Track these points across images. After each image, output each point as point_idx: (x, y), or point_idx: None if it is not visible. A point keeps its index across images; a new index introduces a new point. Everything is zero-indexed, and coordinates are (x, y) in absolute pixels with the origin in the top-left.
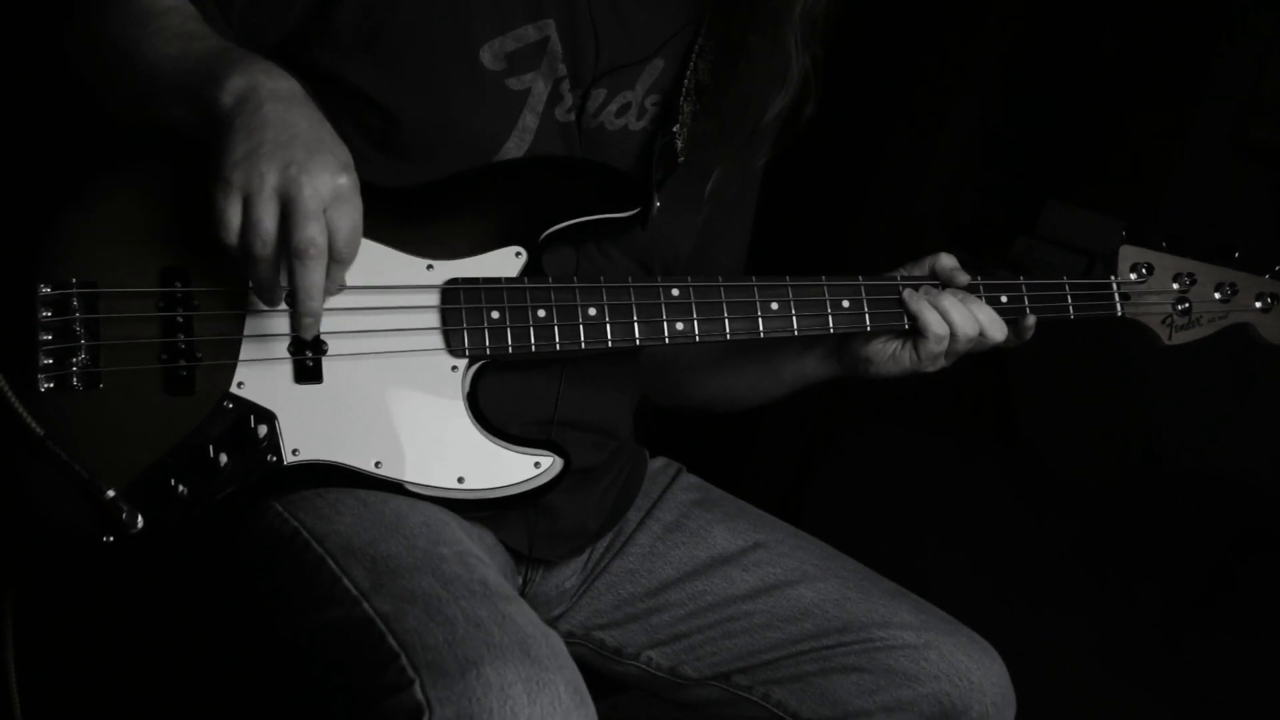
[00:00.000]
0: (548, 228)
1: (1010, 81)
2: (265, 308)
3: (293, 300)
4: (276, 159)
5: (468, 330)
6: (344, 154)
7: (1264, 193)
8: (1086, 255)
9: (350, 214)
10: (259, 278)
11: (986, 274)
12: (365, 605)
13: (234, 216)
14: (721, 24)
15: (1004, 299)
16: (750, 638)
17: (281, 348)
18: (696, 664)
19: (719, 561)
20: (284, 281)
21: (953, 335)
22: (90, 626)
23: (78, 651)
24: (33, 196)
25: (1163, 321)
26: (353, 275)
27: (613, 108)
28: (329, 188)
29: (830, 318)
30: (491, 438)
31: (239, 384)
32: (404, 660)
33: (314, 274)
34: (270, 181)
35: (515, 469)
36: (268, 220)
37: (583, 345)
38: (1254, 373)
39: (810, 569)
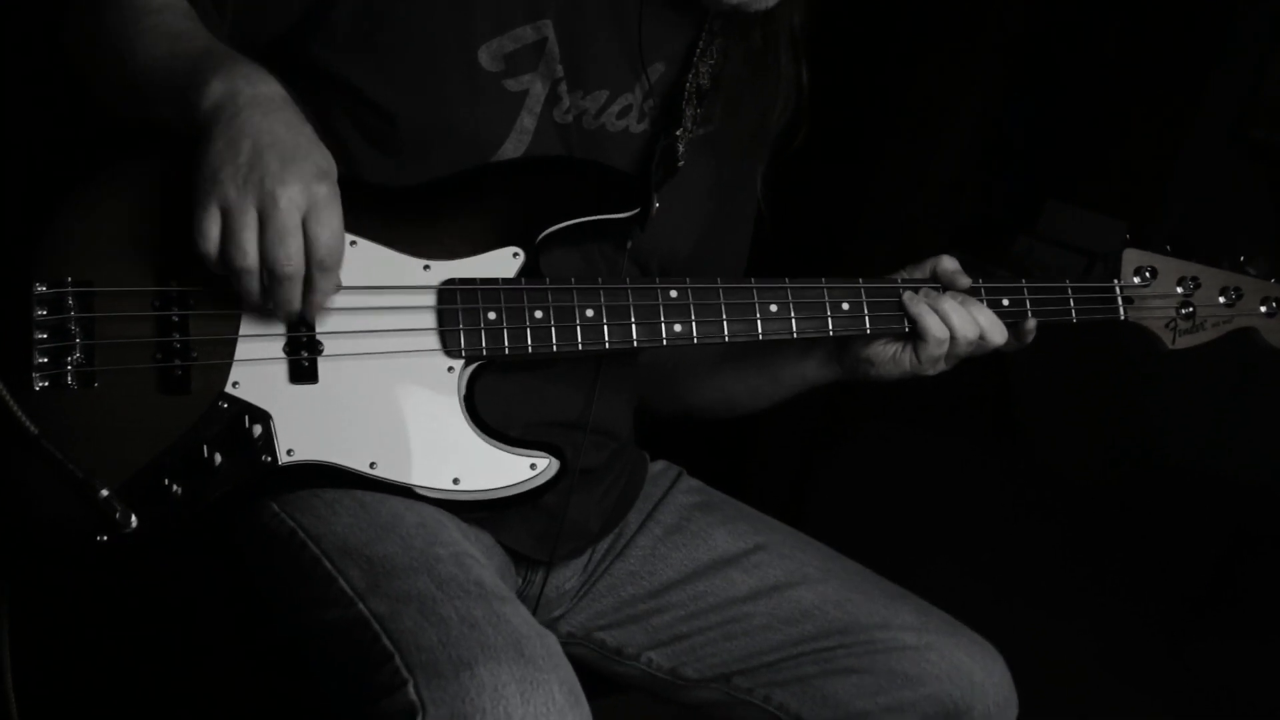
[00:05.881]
0: (546, 228)
1: (1011, 82)
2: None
3: (275, 309)
4: (253, 171)
5: (464, 331)
6: (323, 160)
7: (1264, 193)
8: (1087, 255)
9: (329, 222)
10: (243, 289)
11: (987, 274)
12: (360, 606)
13: (213, 230)
14: (721, 28)
15: (1006, 302)
16: (751, 639)
17: (277, 347)
18: (697, 665)
19: (720, 563)
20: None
21: (953, 338)
22: (86, 626)
23: (73, 651)
24: (29, 195)
25: (1166, 326)
26: (349, 275)
27: (614, 109)
28: (305, 197)
29: (829, 320)
30: (487, 439)
31: (234, 384)
32: (398, 661)
33: (291, 290)
34: (247, 195)
35: (511, 470)
36: (247, 234)
37: (580, 347)
38: (1254, 373)
39: (811, 571)
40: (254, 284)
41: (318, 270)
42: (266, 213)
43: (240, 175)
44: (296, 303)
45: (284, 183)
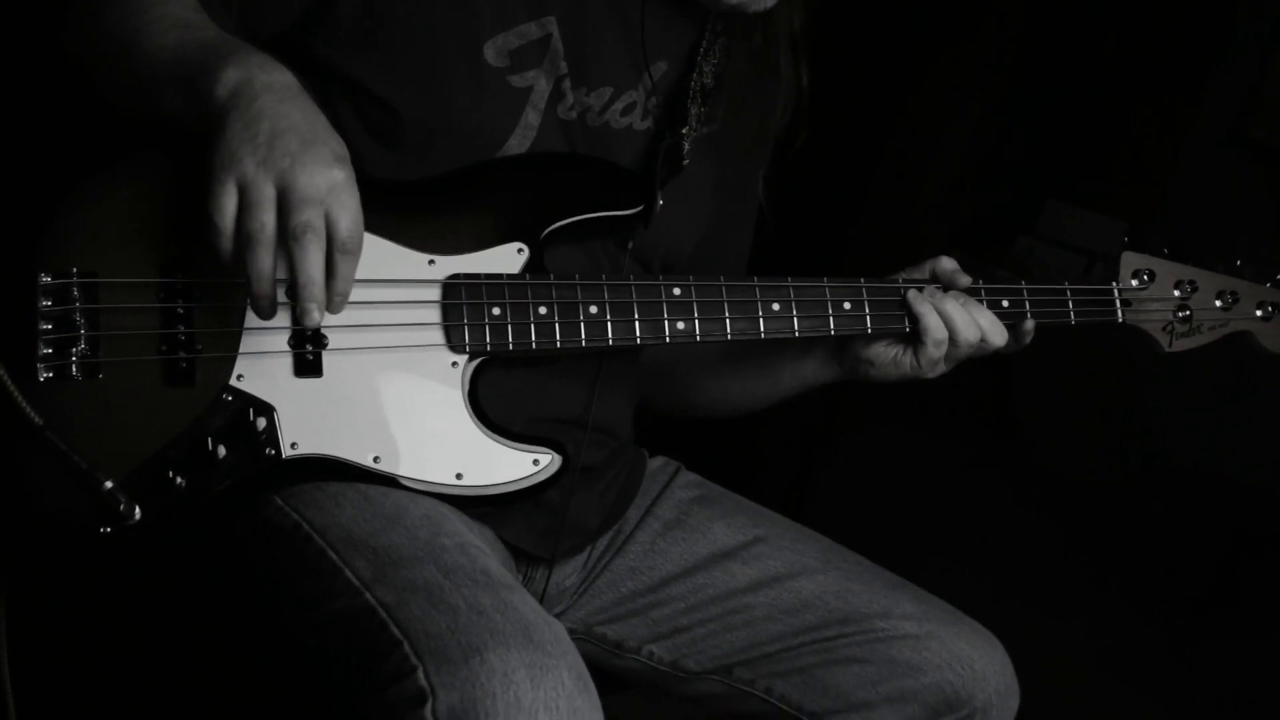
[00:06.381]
0: (550, 224)
1: (1011, 82)
2: None
3: (293, 292)
4: (273, 151)
5: (468, 326)
6: (340, 147)
7: (1264, 193)
8: (1087, 255)
9: (349, 205)
10: (258, 268)
11: (987, 274)
12: (367, 595)
13: (229, 204)
14: (724, 28)
15: (1005, 303)
16: (751, 630)
17: (282, 341)
18: (698, 657)
19: (719, 556)
20: (281, 274)
21: (953, 339)
22: (87, 619)
23: (75, 645)
24: (35, 186)
25: (1163, 328)
26: None
27: (618, 106)
28: (325, 180)
29: (831, 319)
30: (490, 434)
31: (239, 376)
32: (406, 648)
33: (313, 258)
34: (266, 173)
35: (513, 466)
36: (265, 205)
37: (583, 343)
38: (1255, 374)
39: (811, 561)
40: (268, 259)
41: (339, 253)
42: (288, 188)
43: (259, 154)
44: (320, 275)
45: (304, 165)
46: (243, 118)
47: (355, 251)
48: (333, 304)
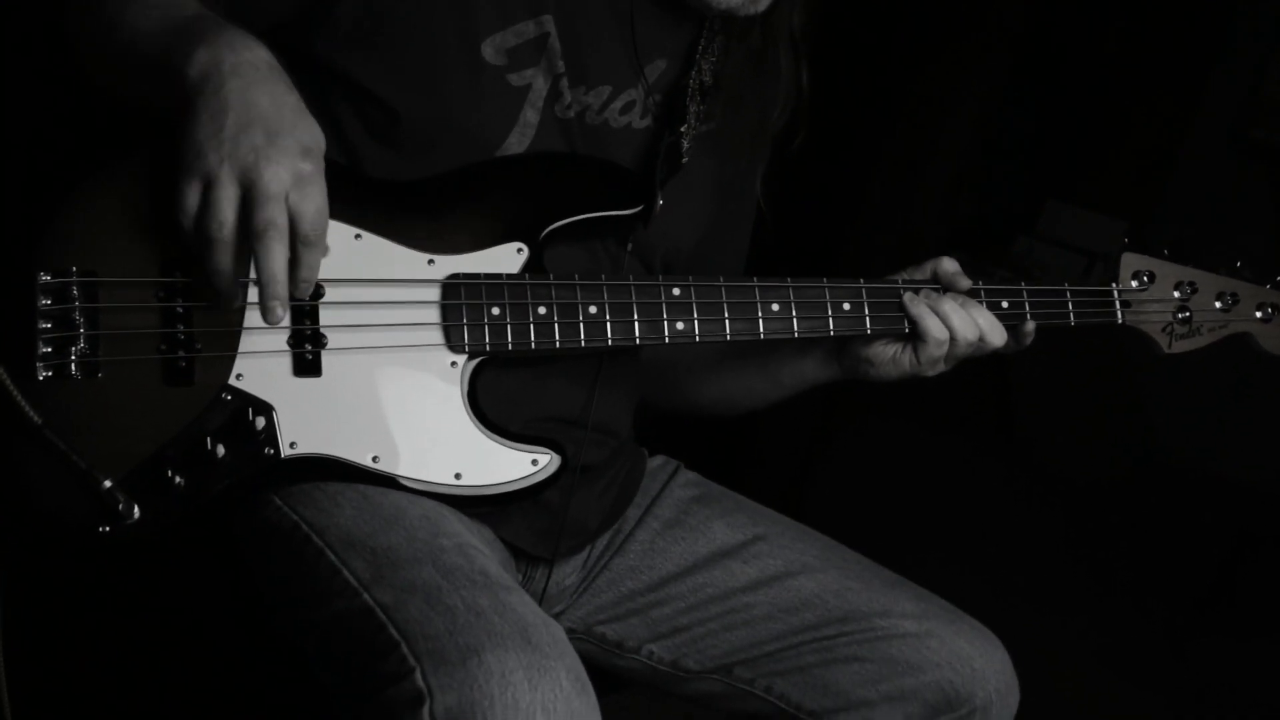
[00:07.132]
0: (549, 224)
1: (1011, 82)
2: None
3: (260, 288)
4: (238, 145)
5: (468, 326)
6: (308, 134)
7: (1264, 193)
8: (1087, 255)
9: (314, 196)
10: (216, 265)
11: (986, 274)
12: (365, 596)
13: (192, 202)
14: (722, 27)
15: (1005, 304)
16: (751, 629)
17: (281, 340)
18: (698, 656)
19: (719, 555)
20: (253, 274)
21: (952, 340)
22: (86, 618)
23: (72, 643)
24: (34, 184)
25: (1163, 330)
26: (354, 268)
27: (617, 105)
28: (290, 172)
29: (830, 320)
30: (489, 434)
31: (238, 376)
32: (404, 649)
33: (275, 256)
34: (229, 168)
35: (512, 466)
36: (225, 204)
37: (583, 343)
38: (1256, 374)
39: (810, 560)
40: (225, 257)
41: (302, 245)
42: (252, 184)
43: (224, 150)
44: (282, 273)
45: (269, 159)
46: (209, 108)
47: (318, 243)
48: (298, 289)
